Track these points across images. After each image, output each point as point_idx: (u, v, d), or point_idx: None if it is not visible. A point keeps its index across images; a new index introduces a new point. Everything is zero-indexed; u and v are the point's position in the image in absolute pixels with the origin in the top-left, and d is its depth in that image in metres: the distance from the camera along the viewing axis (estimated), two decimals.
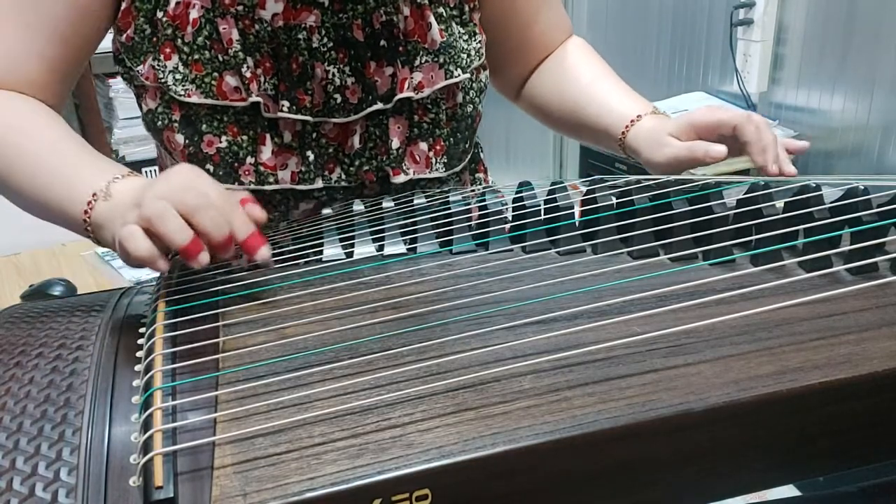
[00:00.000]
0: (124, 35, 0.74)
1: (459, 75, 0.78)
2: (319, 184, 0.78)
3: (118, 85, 2.31)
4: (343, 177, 0.78)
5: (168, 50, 0.72)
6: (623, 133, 0.82)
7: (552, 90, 0.91)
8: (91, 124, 2.36)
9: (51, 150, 0.67)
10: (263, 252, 0.59)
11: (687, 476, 0.49)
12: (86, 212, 0.63)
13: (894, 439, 0.52)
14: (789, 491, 0.89)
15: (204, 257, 0.56)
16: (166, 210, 0.55)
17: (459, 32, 0.79)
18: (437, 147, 0.80)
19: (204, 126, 0.74)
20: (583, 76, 0.89)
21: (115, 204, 0.62)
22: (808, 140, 1.93)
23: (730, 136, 0.75)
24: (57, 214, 0.66)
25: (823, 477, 0.75)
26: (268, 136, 0.75)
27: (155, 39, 0.72)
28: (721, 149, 0.73)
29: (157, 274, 0.62)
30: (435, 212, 0.69)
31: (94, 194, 0.63)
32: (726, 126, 0.74)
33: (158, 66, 0.72)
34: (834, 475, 0.70)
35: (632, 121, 0.82)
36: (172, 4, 0.71)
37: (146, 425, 0.45)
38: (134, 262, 0.57)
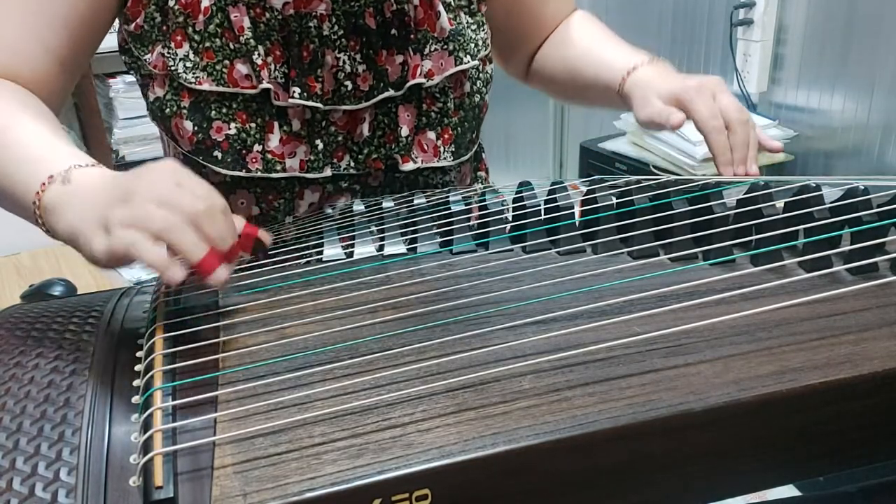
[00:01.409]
0: (133, 24, 0.74)
1: (469, 62, 0.79)
2: (328, 172, 0.78)
3: (118, 85, 2.31)
4: (352, 164, 0.79)
5: (179, 38, 0.72)
6: (620, 83, 0.83)
7: (555, 60, 0.93)
8: (91, 124, 2.36)
9: (20, 132, 0.63)
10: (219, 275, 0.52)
11: (687, 476, 0.49)
12: (38, 193, 0.58)
13: (894, 439, 0.52)
14: (789, 491, 0.89)
15: (222, 273, 0.51)
16: (179, 222, 0.50)
17: (468, 22, 0.81)
18: (445, 136, 0.81)
19: (213, 112, 0.74)
20: (582, 40, 0.91)
21: (75, 191, 0.56)
22: (808, 140, 1.93)
23: None
24: (9, 197, 0.61)
25: (823, 477, 0.75)
26: (276, 123, 0.75)
27: (165, 28, 0.73)
28: (679, 118, 0.75)
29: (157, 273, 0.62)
30: (435, 212, 0.69)
31: (50, 176, 0.58)
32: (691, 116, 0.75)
33: (168, 53, 0.73)
34: (834, 475, 0.70)
35: (628, 72, 0.82)
36: None
37: (146, 425, 0.45)
38: (109, 264, 0.52)
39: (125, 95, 2.32)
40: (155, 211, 0.51)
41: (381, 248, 0.67)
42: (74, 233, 0.55)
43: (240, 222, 0.55)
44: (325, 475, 0.42)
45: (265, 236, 0.58)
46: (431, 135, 0.80)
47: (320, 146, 0.77)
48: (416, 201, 0.72)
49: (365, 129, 0.78)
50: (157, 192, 0.51)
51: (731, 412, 0.46)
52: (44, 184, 0.58)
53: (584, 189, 0.68)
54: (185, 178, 0.53)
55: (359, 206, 0.74)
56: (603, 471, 0.46)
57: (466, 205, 0.69)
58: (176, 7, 0.72)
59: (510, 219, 0.68)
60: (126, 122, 2.36)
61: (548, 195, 0.68)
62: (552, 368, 0.49)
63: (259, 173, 0.76)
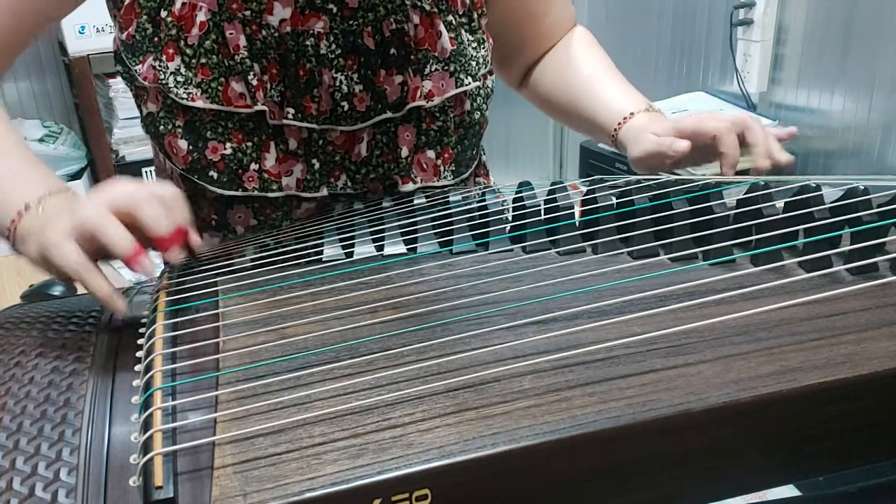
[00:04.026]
0: (125, 33, 0.73)
1: (470, 83, 0.78)
2: (325, 192, 0.77)
3: (118, 85, 2.31)
4: (349, 184, 0.78)
5: (171, 51, 0.71)
6: (615, 130, 0.83)
7: (554, 81, 0.92)
8: (91, 124, 2.36)
9: None
10: (175, 254, 0.58)
11: (687, 476, 0.49)
12: (13, 221, 0.61)
13: (894, 439, 0.52)
14: (789, 491, 0.89)
15: (147, 264, 0.55)
16: (105, 217, 0.55)
17: (469, 40, 0.79)
18: (446, 155, 0.80)
19: (209, 132, 0.73)
20: (583, 69, 0.90)
21: (44, 217, 0.60)
22: (808, 140, 1.92)
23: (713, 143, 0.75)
24: None
25: (823, 477, 0.75)
26: (272, 143, 0.74)
27: (157, 39, 0.71)
28: (684, 144, 0.74)
29: (158, 274, 0.62)
30: (435, 212, 0.69)
31: (25, 205, 0.61)
32: (704, 135, 0.74)
33: (160, 66, 0.71)
34: (834, 475, 0.70)
35: (624, 118, 0.83)
36: (178, 5, 0.70)
37: (146, 425, 0.45)
38: (60, 273, 0.57)
39: (125, 95, 2.32)
40: (86, 210, 0.55)
41: (380, 248, 0.67)
42: (42, 255, 0.59)
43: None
44: (325, 475, 0.42)
45: (178, 258, 0.59)
46: (431, 154, 0.79)
47: (317, 165, 0.76)
48: (415, 201, 0.72)
49: (363, 150, 0.76)
50: (97, 197, 0.56)
51: (731, 412, 0.46)
52: (20, 213, 0.61)
53: (584, 189, 0.68)
54: (132, 183, 0.57)
55: (359, 206, 0.74)
56: (603, 471, 0.46)
57: (466, 205, 0.69)
58: (169, 19, 0.70)
59: (510, 219, 0.68)
60: (126, 122, 2.36)
61: (548, 195, 0.68)
62: (552, 368, 0.49)
63: (255, 192, 0.75)
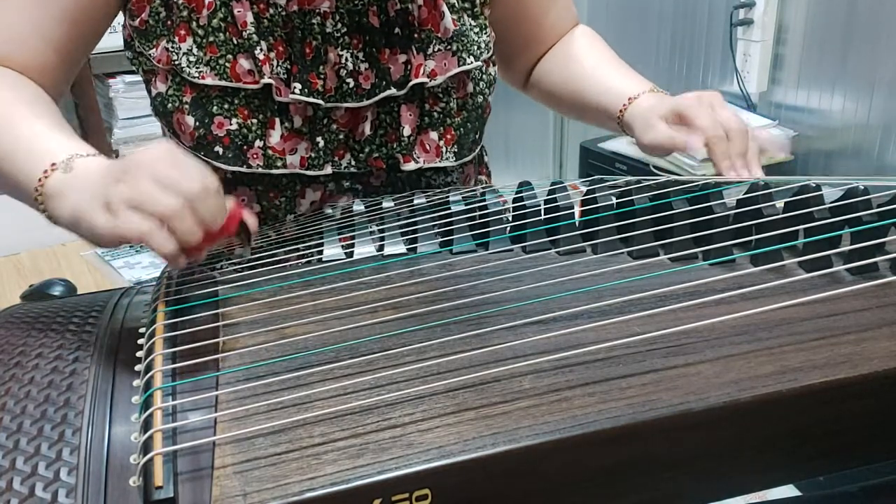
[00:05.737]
0: (138, 19, 0.74)
1: (472, 63, 0.80)
2: (329, 170, 0.78)
3: (118, 85, 2.31)
4: (352, 163, 0.79)
5: (183, 32, 0.73)
6: (620, 111, 0.84)
7: (557, 76, 0.93)
8: (91, 124, 2.36)
9: (22, 120, 0.65)
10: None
11: (687, 476, 0.49)
12: (40, 180, 0.60)
13: (894, 439, 0.52)
14: (789, 491, 0.89)
15: (203, 254, 0.56)
16: (179, 208, 0.53)
17: (470, 24, 0.81)
18: (448, 136, 0.81)
19: (215, 108, 0.74)
20: (586, 60, 0.91)
21: (77, 177, 0.59)
22: (808, 140, 1.92)
23: None
24: (12, 181, 0.63)
25: (823, 477, 0.75)
26: (277, 120, 0.75)
27: (170, 22, 0.73)
28: (699, 145, 0.74)
29: (157, 274, 0.62)
30: (435, 212, 0.69)
31: (52, 164, 0.60)
32: (699, 134, 0.75)
33: (173, 48, 0.73)
34: (834, 475, 0.70)
35: (629, 99, 0.83)
36: None
37: (146, 425, 0.45)
38: (112, 243, 0.55)
39: (125, 95, 2.32)
40: (156, 193, 0.53)
41: (381, 248, 0.67)
42: (76, 215, 0.57)
43: (229, 203, 0.57)
44: (325, 475, 0.42)
45: (251, 220, 0.59)
46: (434, 135, 0.80)
47: (321, 143, 0.77)
48: (416, 201, 0.72)
49: (367, 128, 0.78)
50: (154, 171, 0.53)
51: (731, 412, 0.46)
52: (46, 171, 0.60)
53: (584, 189, 0.68)
54: (180, 157, 0.55)
55: (359, 207, 0.74)
56: (603, 471, 0.46)
57: (466, 205, 0.69)
58: (180, 1, 0.72)
59: (510, 219, 0.68)
60: (126, 122, 2.36)
61: (548, 195, 0.68)
62: (552, 368, 0.49)
63: (260, 169, 0.76)
